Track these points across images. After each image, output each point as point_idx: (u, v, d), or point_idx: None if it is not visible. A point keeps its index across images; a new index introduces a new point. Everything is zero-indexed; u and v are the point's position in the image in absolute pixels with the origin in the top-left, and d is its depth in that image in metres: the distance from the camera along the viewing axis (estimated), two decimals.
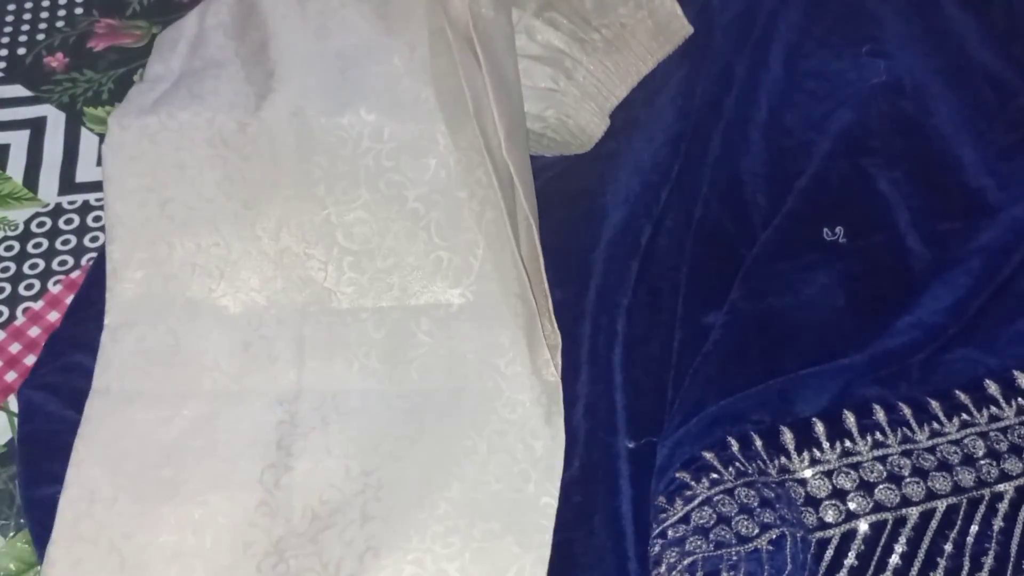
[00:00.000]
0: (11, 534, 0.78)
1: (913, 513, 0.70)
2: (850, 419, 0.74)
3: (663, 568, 0.66)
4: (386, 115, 0.80)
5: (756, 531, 0.67)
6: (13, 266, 0.92)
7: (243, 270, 0.78)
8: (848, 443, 0.73)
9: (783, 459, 0.72)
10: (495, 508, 0.71)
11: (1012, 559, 0.69)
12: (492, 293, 0.77)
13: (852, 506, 0.70)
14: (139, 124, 0.81)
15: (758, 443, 0.72)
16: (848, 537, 0.69)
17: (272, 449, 0.74)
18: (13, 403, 0.83)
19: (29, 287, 0.90)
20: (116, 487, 0.73)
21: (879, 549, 0.69)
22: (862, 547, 0.69)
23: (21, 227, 0.94)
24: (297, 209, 0.79)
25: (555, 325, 0.78)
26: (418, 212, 0.79)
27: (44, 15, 1.12)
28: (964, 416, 0.75)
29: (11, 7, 1.13)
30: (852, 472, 0.72)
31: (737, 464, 0.70)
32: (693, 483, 0.69)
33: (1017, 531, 0.70)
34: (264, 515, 0.72)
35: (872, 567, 0.68)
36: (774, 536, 0.66)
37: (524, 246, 0.80)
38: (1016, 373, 0.77)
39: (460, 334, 0.77)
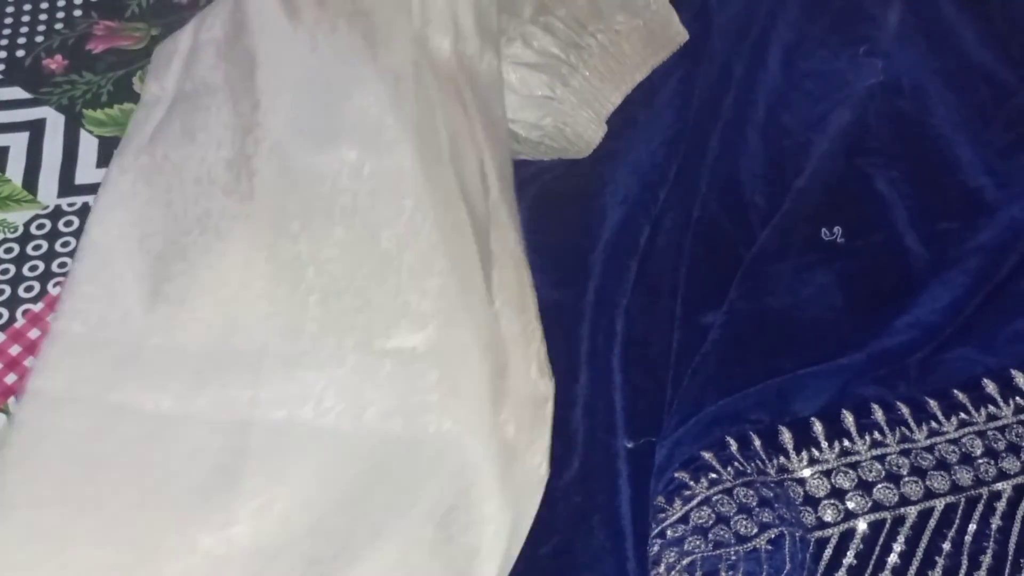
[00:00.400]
0: None
1: (911, 512, 0.70)
2: (848, 419, 0.74)
3: (662, 568, 0.66)
4: (367, 152, 0.79)
5: (755, 531, 0.67)
6: (13, 268, 0.92)
7: (204, 300, 0.77)
8: (847, 442, 0.73)
9: (782, 459, 0.72)
10: (441, 565, 0.69)
11: (1010, 557, 0.69)
12: (458, 340, 0.75)
13: (851, 505, 0.70)
14: (136, 165, 0.82)
15: (757, 443, 0.72)
16: (847, 536, 0.69)
17: (214, 476, 0.71)
18: (13, 405, 0.83)
19: (29, 289, 0.90)
20: (36, 496, 0.70)
21: (877, 548, 0.69)
22: (861, 546, 0.69)
23: (21, 229, 0.94)
24: (268, 243, 0.78)
25: (549, 373, 0.76)
26: (390, 253, 0.77)
27: (43, 17, 1.12)
28: (962, 415, 0.75)
29: (10, 9, 1.13)
30: (851, 471, 0.72)
31: (736, 464, 0.70)
32: (692, 483, 0.69)
33: (1015, 529, 0.70)
34: (196, 540, 0.69)
35: (871, 566, 0.69)
36: (773, 536, 0.66)
37: (515, 293, 0.78)
38: (1014, 372, 0.77)
39: (423, 379, 0.74)
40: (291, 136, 0.81)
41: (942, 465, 0.72)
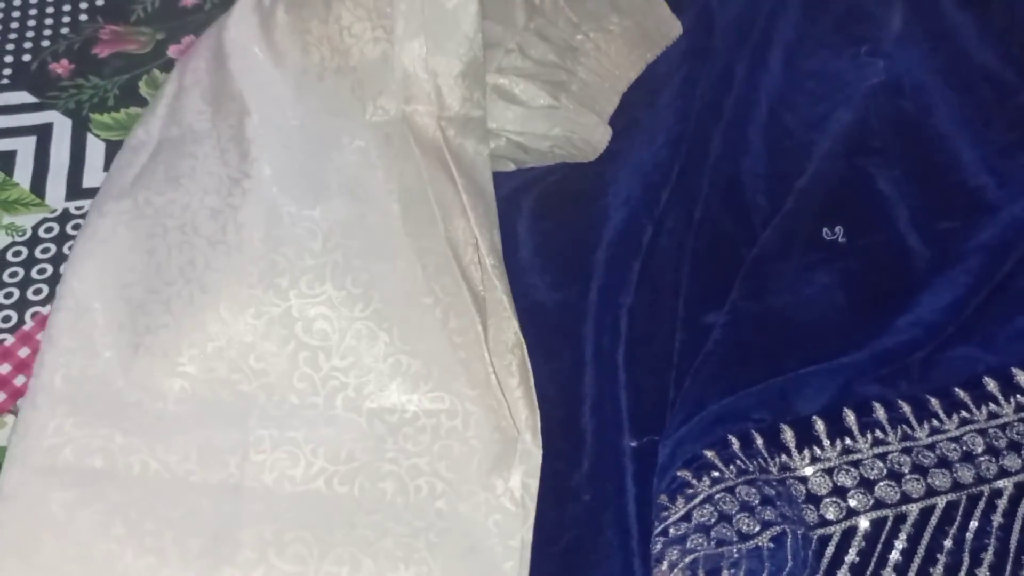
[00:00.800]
0: None
1: (913, 510, 0.71)
2: (850, 417, 0.74)
3: (664, 566, 0.67)
4: (359, 211, 0.79)
5: (757, 529, 0.67)
6: (21, 271, 0.92)
7: (188, 354, 0.76)
8: (848, 441, 0.73)
9: (784, 457, 0.72)
10: None
11: (1011, 555, 0.69)
12: (449, 403, 0.75)
13: (853, 503, 0.71)
14: (117, 210, 0.81)
15: (759, 441, 0.72)
16: (849, 534, 0.70)
17: (210, 546, 0.70)
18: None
19: (37, 292, 0.91)
20: None
21: (880, 546, 0.69)
22: (863, 544, 0.69)
23: (29, 232, 0.95)
24: (257, 299, 0.77)
25: (539, 439, 0.75)
26: (382, 313, 0.77)
27: (49, 22, 1.13)
28: (964, 413, 0.75)
29: (16, 14, 1.14)
30: (853, 470, 0.72)
31: (738, 462, 0.71)
32: (694, 481, 0.70)
33: (1016, 527, 0.71)
34: None
35: (873, 564, 0.69)
36: (775, 533, 0.67)
37: (516, 357, 0.78)
38: (1015, 371, 0.77)
39: (413, 442, 0.74)
40: (280, 189, 0.80)
41: (943, 463, 0.73)
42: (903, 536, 0.70)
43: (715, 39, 1.00)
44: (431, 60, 0.84)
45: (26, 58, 1.09)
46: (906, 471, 0.72)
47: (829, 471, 0.72)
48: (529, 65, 0.92)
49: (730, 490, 0.69)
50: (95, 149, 1.01)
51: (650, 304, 0.83)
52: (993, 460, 0.73)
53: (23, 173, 0.99)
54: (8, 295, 0.91)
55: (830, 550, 0.69)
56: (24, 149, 1.01)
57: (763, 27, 1.00)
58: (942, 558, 0.69)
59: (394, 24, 0.84)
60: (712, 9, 1.02)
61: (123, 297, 0.78)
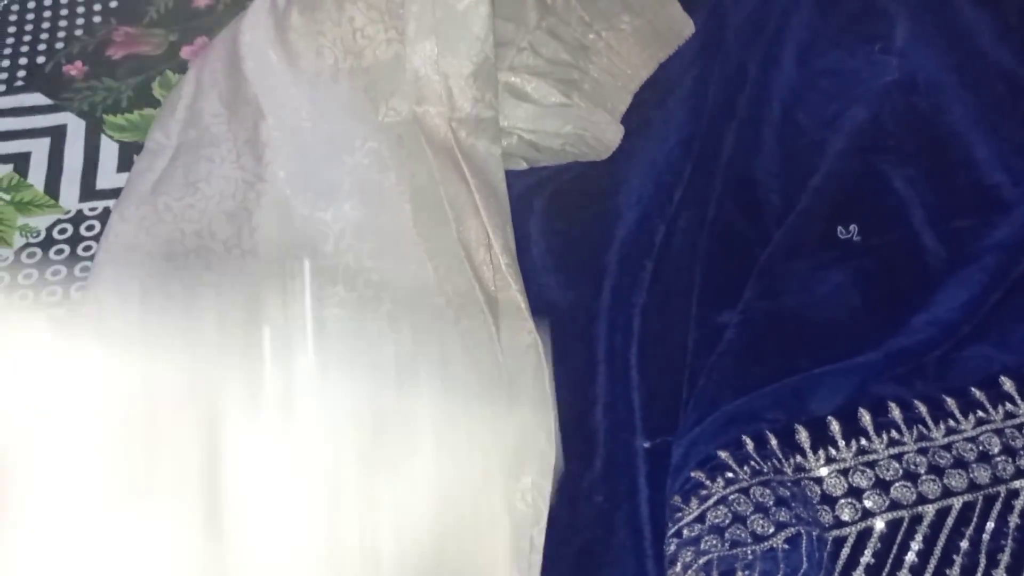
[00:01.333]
0: None
1: (929, 511, 0.70)
2: (866, 417, 0.74)
3: (679, 567, 0.67)
4: (371, 213, 0.80)
5: (771, 530, 0.67)
6: (36, 273, 0.93)
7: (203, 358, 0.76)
8: (864, 441, 0.73)
9: (798, 458, 0.72)
10: None
11: None
12: (462, 405, 0.75)
13: (868, 504, 0.70)
14: (138, 216, 0.82)
15: (773, 442, 0.72)
16: (864, 535, 0.69)
17: None
18: None
19: (51, 293, 0.92)
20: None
21: (895, 547, 0.69)
22: (878, 545, 0.69)
23: (43, 234, 0.95)
24: (269, 302, 0.78)
25: (552, 440, 0.75)
26: (393, 314, 0.77)
27: (63, 23, 1.14)
28: (980, 413, 0.75)
29: (30, 16, 1.15)
30: (868, 470, 0.72)
31: (752, 463, 0.70)
32: (708, 482, 0.70)
33: None
34: None
35: (889, 565, 0.69)
36: (790, 535, 0.66)
37: (531, 358, 0.78)
38: None
39: (425, 446, 0.74)
40: (293, 191, 0.81)
41: (960, 463, 0.72)
42: (919, 537, 0.69)
43: (727, 38, 1.00)
44: (442, 61, 0.85)
45: (40, 60, 1.10)
46: (922, 472, 0.72)
47: (844, 472, 0.71)
48: (541, 63, 0.92)
49: (744, 491, 0.69)
50: (109, 150, 1.01)
51: (663, 304, 0.83)
52: (1010, 460, 0.73)
53: (37, 174, 1.00)
54: (23, 296, 0.91)
55: (845, 551, 0.69)
56: (38, 150, 1.02)
57: (776, 25, 0.99)
58: (958, 559, 0.69)
59: (405, 26, 0.85)
60: (724, 8, 1.02)
61: (143, 303, 0.79)
